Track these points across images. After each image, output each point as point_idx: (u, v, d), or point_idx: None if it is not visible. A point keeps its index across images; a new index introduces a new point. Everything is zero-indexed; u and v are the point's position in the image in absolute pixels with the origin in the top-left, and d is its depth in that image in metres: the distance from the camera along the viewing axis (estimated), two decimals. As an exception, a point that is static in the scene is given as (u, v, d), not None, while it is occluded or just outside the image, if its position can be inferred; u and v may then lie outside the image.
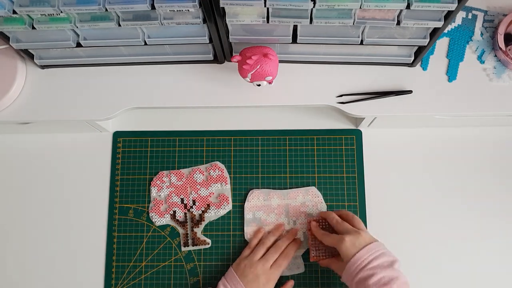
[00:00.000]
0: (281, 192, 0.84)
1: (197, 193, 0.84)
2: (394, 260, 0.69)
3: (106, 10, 0.61)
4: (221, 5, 0.61)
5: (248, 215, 0.83)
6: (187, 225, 0.83)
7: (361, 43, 0.69)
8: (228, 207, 0.84)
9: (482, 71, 0.76)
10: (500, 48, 0.75)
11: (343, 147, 0.86)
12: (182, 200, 0.84)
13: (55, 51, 0.74)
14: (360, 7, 0.60)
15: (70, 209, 0.85)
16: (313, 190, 0.84)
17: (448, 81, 0.76)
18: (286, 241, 0.80)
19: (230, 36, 0.69)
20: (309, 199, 0.83)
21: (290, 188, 0.84)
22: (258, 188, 0.84)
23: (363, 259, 0.68)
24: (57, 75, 0.78)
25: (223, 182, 0.85)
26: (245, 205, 0.83)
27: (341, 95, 0.75)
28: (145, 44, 0.70)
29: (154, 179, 0.85)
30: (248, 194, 0.84)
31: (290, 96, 0.76)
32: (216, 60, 0.76)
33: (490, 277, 0.81)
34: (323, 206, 0.83)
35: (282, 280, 0.80)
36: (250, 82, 0.71)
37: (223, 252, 0.83)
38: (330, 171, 0.85)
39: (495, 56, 0.77)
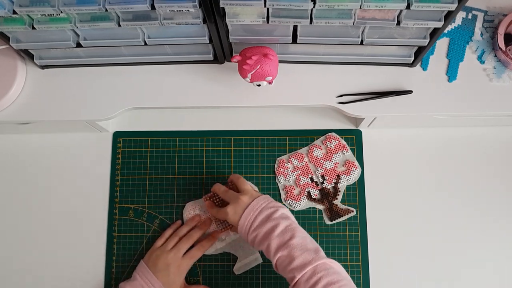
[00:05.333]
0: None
1: (323, 168, 0.84)
2: (273, 211, 0.70)
3: (106, 10, 0.61)
4: (221, 5, 0.61)
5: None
6: (325, 200, 0.83)
7: (361, 43, 0.69)
8: (358, 171, 0.84)
9: (482, 71, 0.76)
10: (500, 48, 0.75)
11: (343, 147, 0.86)
12: (311, 179, 0.84)
13: (55, 51, 0.74)
14: (360, 7, 0.60)
15: (70, 209, 0.85)
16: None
17: (448, 81, 0.76)
18: (198, 231, 0.80)
19: (230, 36, 0.69)
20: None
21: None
22: (191, 200, 0.85)
23: (245, 224, 0.70)
24: (57, 75, 0.78)
25: (343, 150, 0.85)
26: (184, 222, 0.84)
27: (341, 95, 0.75)
28: (145, 44, 0.70)
29: (277, 168, 0.85)
30: (183, 211, 0.84)
31: (290, 96, 0.76)
32: (216, 60, 0.76)
33: (491, 277, 0.81)
34: None
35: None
36: (250, 82, 0.71)
37: (223, 253, 0.83)
38: (330, 171, 0.85)
39: (495, 56, 0.77)
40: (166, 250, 0.78)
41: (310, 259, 0.64)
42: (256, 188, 0.84)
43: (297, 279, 0.63)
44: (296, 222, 0.71)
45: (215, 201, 0.82)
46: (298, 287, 0.63)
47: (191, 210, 0.84)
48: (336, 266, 0.65)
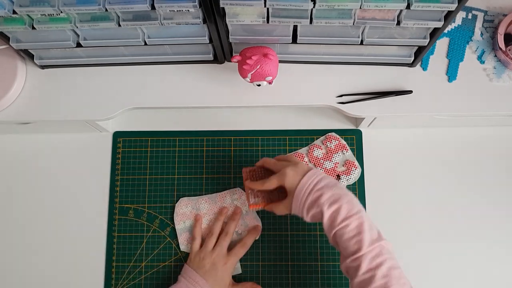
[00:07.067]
0: (209, 196, 0.84)
1: (323, 168, 0.84)
2: (337, 181, 0.70)
3: (106, 10, 0.61)
4: (221, 5, 0.61)
5: (179, 225, 0.83)
6: None
7: (361, 43, 0.69)
8: (358, 171, 0.84)
9: (482, 71, 0.76)
10: (500, 48, 0.75)
11: (343, 147, 0.86)
12: None
13: (55, 51, 0.74)
14: (360, 7, 0.60)
15: (70, 209, 0.85)
16: (238, 190, 0.84)
17: (448, 81, 0.76)
18: (233, 224, 0.80)
19: (230, 36, 0.69)
20: (236, 198, 0.84)
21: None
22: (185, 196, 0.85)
23: (309, 182, 0.68)
24: (57, 75, 0.78)
25: (343, 150, 0.85)
26: (174, 217, 0.83)
27: (341, 95, 0.75)
28: (145, 44, 0.70)
29: None
30: (176, 205, 0.84)
31: (290, 96, 0.76)
32: (216, 60, 0.76)
33: (492, 277, 0.81)
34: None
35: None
36: (250, 82, 0.71)
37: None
38: (330, 171, 0.85)
39: (495, 56, 0.77)
40: (208, 250, 0.78)
41: (377, 237, 0.65)
42: None
43: (363, 252, 0.63)
44: None
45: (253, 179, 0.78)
46: (362, 261, 0.63)
47: (183, 206, 0.84)
48: (392, 249, 0.67)
